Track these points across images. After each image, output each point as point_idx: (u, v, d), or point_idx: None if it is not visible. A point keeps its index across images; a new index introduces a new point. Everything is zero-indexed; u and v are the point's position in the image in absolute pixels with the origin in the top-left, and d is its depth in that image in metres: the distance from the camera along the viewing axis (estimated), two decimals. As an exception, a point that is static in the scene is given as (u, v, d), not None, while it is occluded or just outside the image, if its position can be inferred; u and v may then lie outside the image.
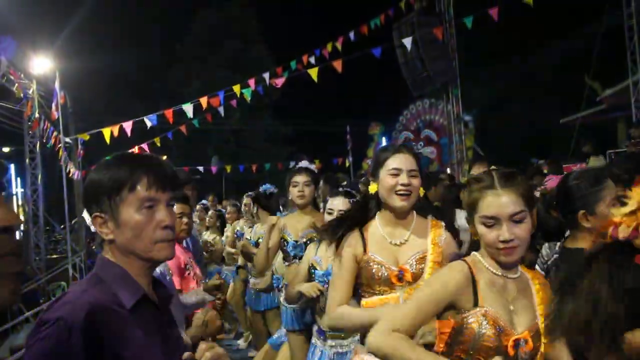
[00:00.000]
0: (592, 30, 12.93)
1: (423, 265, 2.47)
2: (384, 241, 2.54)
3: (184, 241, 3.79)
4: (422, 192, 2.57)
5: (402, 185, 2.48)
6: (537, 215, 1.96)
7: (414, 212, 2.61)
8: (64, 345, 1.23)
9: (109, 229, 1.43)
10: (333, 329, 3.18)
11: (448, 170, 12.85)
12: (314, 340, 3.49)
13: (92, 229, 1.47)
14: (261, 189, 5.94)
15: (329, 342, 3.35)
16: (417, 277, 2.45)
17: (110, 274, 1.42)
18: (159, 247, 1.45)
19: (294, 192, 4.08)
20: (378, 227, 2.58)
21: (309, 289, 3.37)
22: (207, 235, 7.81)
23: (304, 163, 4.26)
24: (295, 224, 4.12)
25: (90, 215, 1.45)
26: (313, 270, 3.49)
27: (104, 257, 1.46)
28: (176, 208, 3.24)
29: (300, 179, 4.05)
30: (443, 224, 2.65)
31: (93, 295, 1.34)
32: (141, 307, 1.41)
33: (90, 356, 1.25)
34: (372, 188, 2.59)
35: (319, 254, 3.51)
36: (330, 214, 3.43)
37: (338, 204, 3.43)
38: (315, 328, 3.54)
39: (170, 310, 1.61)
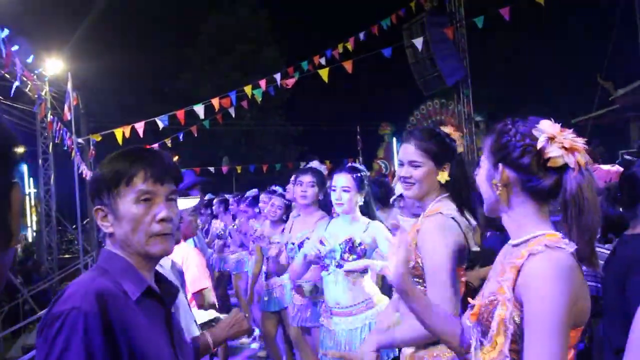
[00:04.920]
0: (604, 29, 12.84)
1: None
2: None
3: (193, 240, 3.77)
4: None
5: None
6: (600, 208, 1.91)
7: None
8: (83, 334, 1.23)
9: (109, 222, 1.44)
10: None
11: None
12: (321, 319, 3.43)
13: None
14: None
15: (335, 318, 3.27)
16: None
17: (115, 266, 1.42)
18: (154, 241, 1.44)
19: (297, 191, 4.04)
20: None
21: (310, 247, 3.27)
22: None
23: (315, 163, 4.25)
24: (298, 227, 4.12)
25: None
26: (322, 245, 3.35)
27: (108, 249, 1.47)
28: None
29: (305, 178, 4.01)
30: None
31: (101, 282, 1.34)
32: (146, 299, 1.41)
33: (107, 342, 1.26)
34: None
35: (329, 230, 3.42)
36: (333, 190, 3.31)
37: (340, 181, 3.29)
38: (321, 307, 3.48)
39: (177, 309, 1.61)
